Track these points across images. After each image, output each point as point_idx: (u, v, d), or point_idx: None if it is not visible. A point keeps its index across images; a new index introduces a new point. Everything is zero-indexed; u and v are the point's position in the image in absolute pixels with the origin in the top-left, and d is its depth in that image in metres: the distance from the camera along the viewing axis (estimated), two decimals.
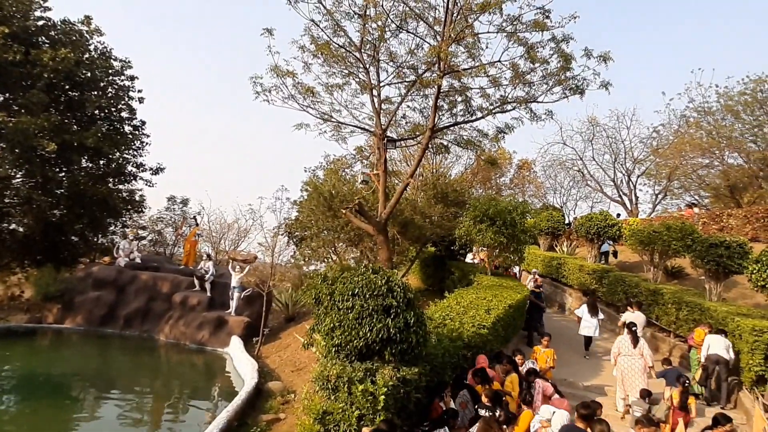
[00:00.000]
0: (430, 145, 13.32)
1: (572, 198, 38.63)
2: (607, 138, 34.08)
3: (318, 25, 11.53)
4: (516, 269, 18.13)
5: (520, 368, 8.83)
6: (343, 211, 12.11)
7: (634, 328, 9.60)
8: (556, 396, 7.41)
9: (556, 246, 22.96)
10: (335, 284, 6.17)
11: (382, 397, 5.05)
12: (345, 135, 13.44)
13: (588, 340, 12.81)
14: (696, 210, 23.32)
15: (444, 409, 6.18)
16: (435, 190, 16.02)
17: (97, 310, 16.69)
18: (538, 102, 12.08)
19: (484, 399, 6.49)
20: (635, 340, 9.37)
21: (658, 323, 13.81)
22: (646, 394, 8.64)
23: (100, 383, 11.52)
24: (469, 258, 19.65)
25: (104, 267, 18.21)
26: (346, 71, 12.20)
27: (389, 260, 12.01)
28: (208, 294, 17.30)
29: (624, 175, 33.98)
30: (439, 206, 15.72)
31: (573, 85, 11.47)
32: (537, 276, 14.95)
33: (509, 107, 12.12)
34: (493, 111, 12.31)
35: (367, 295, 5.87)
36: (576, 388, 10.19)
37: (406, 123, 14.02)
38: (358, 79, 12.43)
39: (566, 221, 26.95)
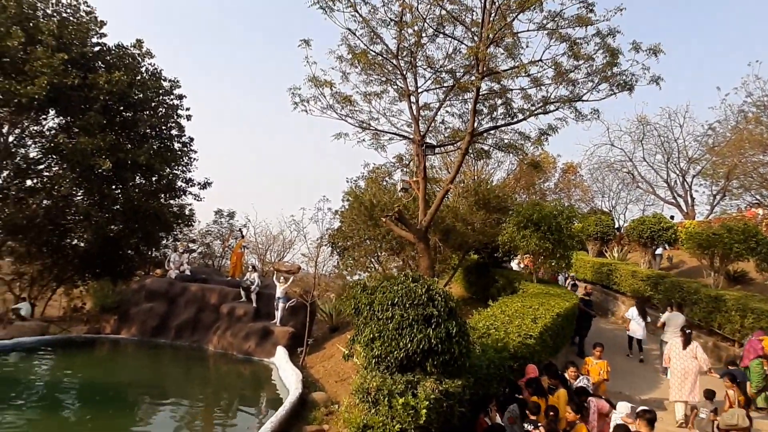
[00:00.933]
0: (470, 151, 13.09)
1: (622, 201, 37.26)
2: (659, 137, 32.68)
3: (354, 34, 11.60)
4: (561, 277, 17.53)
5: (574, 383, 8.44)
6: (383, 220, 12.03)
7: (687, 331, 9.49)
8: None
9: (606, 252, 22.08)
10: (375, 294, 6.07)
11: (424, 410, 4.87)
12: (384, 143, 13.43)
13: (638, 342, 12.99)
14: (759, 210, 21.87)
15: (489, 424, 5.92)
16: (476, 197, 15.73)
17: (150, 321, 17.26)
18: (583, 101, 11.64)
19: (528, 414, 6.18)
20: (687, 341, 9.26)
21: (721, 332, 12.95)
22: (710, 395, 8.32)
23: (154, 391, 11.85)
24: (514, 264, 19.20)
25: (156, 279, 18.85)
26: (384, 79, 12.17)
27: (431, 268, 11.83)
28: (254, 305, 17.58)
29: (678, 175, 32.41)
30: (481, 212, 15.40)
31: (621, 81, 10.97)
32: (575, 279, 14.61)
33: (552, 107, 11.73)
34: (535, 112, 11.96)
35: (407, 305, 5.73)
36: (633, 401, 9.57)
37: (445, 129, 13.88)
38: (396, 87, 12.40)
39: (616, 225, 25.93)
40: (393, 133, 13.10)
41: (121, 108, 21.28)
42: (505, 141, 13.42)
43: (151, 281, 18.64)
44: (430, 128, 13.04)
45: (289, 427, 8.98)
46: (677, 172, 32.38)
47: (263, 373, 14.42)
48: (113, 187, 21.27)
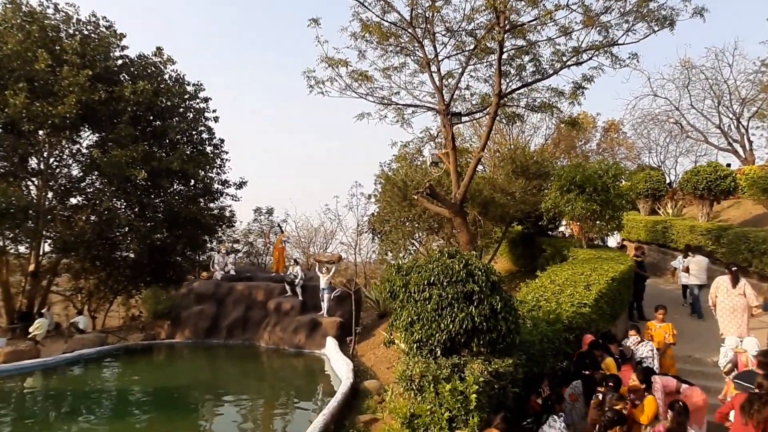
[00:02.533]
0: (501, 115, 12.36)
1: (671, 155, 35.20)
2: (706, 80, 30.30)
3: (363, 5, 11.01)
4: (611, 241, 16.58)
5: (638, 346, 7.83)
6: (415, 197, 11.56)
7: (734, 269, 9.04)
8: (685, 386, 6.27)
9: (659, 209, 20.83)
10: (410, 274, 5.68)
11: (474, 395, 4.48)
12: (408, 117, 12.81)
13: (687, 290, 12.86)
14: None
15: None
16: (514, 164, 14.98)
17: (201, 323, 17.56)
18: (618, 45, 10.71)
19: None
20: (735, 280, 8.82)
21: None
22: None
23: (214, 390, 12.04)
24: (563, 229, 18.43)
25: (203, 282, 19.17)
26: (400, 48, 11.57)
27: (470, 243, 11.29)
28: (300, 298, 17.61)
29: (732, 119, 30.05)
30: (520, 180, 14.67)
31: (659, 17, 9.98)
32: (623, 241, 13.87)
33: (585, 56, 10.85)
34: (567, 63, 11.09)
35: (445, 283, 5.31)
36: (704, 365, 8.91)
37: (471, 95, 13.15)
38: (415, 58, 11.79)
39: (667, 181, 24.47)
40: (416, 106, 12.50)
41: (150, 117, 21.62)
42: (537, 101, 12.61)
43: (198, 284, 18.97)
44: (455, 96, 12.39)
45: (343, 418, 8.80)
46: (730, 116, 30.05)
47: (316, 365, 14.42)
48: (152, 196, 21.71)
